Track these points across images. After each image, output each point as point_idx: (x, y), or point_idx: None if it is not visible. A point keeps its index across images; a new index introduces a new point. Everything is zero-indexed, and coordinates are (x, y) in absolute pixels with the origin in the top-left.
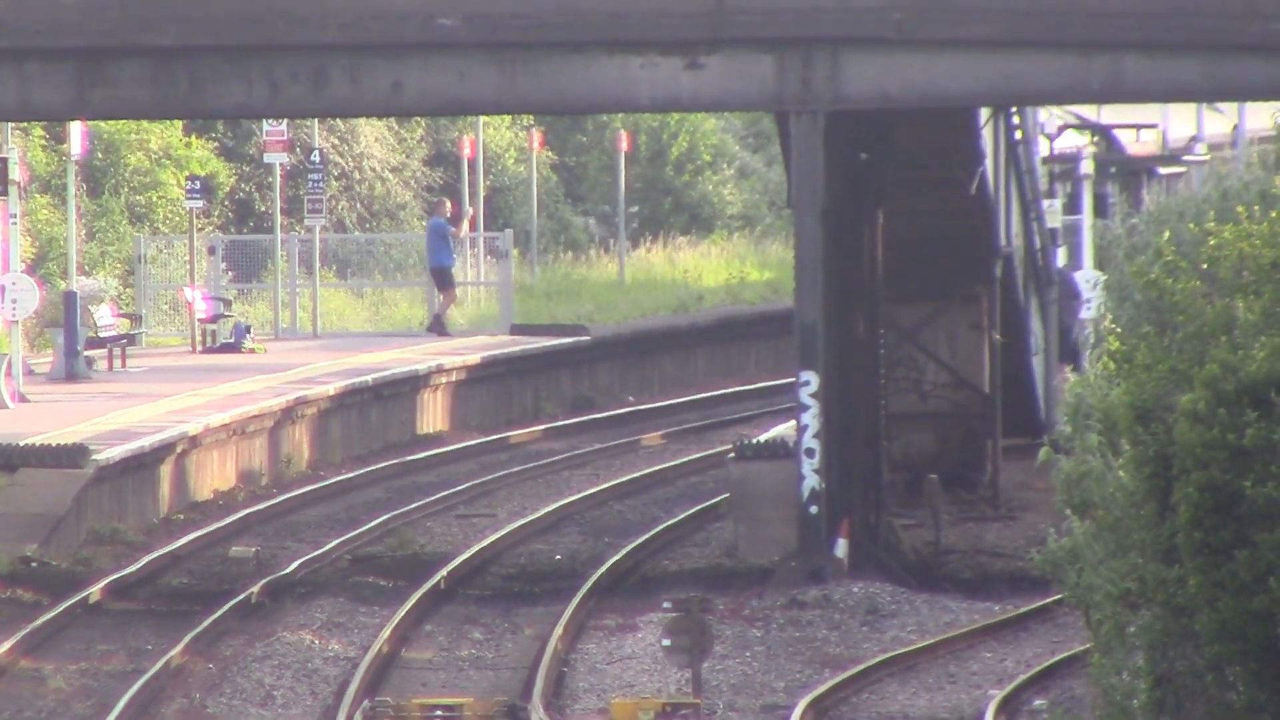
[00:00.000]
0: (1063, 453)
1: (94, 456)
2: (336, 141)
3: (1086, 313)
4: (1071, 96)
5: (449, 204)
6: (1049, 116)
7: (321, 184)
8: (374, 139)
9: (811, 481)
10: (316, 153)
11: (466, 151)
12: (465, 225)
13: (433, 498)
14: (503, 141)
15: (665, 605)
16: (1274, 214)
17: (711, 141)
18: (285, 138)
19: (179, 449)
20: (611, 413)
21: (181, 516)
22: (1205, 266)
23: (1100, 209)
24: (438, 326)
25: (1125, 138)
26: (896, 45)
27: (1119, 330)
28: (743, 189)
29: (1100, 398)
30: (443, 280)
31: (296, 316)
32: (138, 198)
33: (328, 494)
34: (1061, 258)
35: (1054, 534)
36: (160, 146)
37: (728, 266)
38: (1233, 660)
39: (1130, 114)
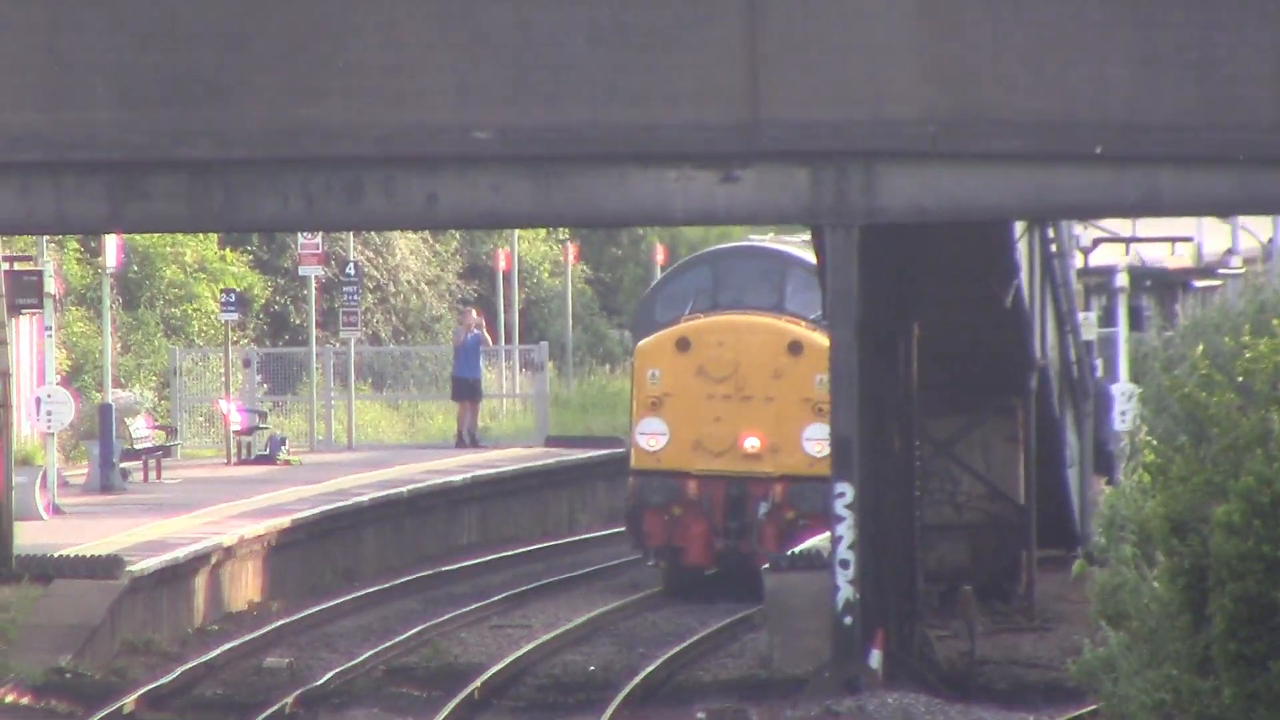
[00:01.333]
0: (1097, 564)
1: (128, 568)
2: (371, 254)
3: (1121, 425)
4: (1106, 210)
5: (475, 313)
6: (1084, 230)
7: (357, 296)
8: (409, 251)
9: (846, 592)
10: (351, 265)
11: (502, 264)
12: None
13: (467, 608)
14: (537, 254)
15: (700, 716)
16: None
17: None
18: (320, 250)
19: (213, 560)
20: None
21: (215, 627)
22: (1240, 379)
23: (1135, 322)
24: (471, 438)
25: (1160, 251)
26: (930, 159)
27: (1154, 442)
28: None
29: (1135, 509)
30: (475, 392)
31: (331, 428)
32: (173, 310)
33: (362, 605)
34: (1098, 370)
35: (1089, 644)
36: (195, 259)
37: None
38: None
39: (1165, 228)
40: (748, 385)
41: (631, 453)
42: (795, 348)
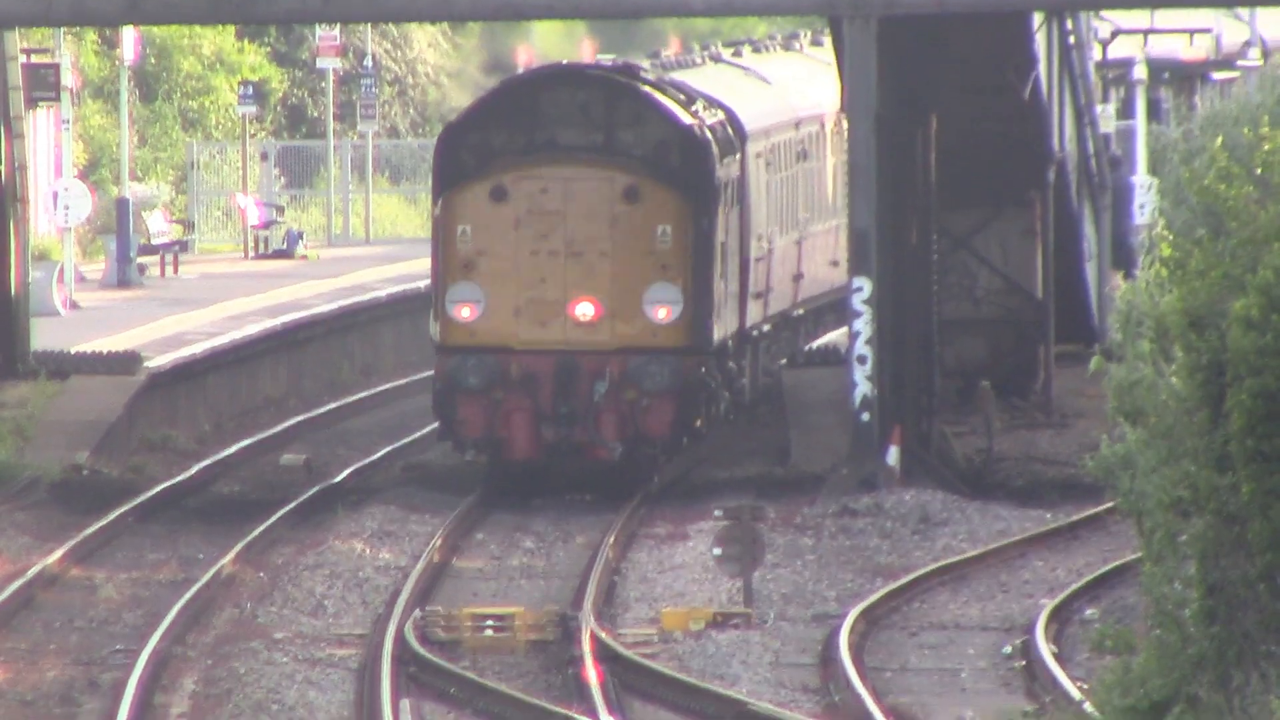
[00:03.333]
0: (1114, 360)
1: (146, 364)
2: (389, 47)
3: (1140, 218)
4: (1125, 2)
5: None
6: (1101, 22)
7: (374, 89)
8: (427, 44)
9: (863, 388)
10: (369, 58)
11: (522, 59)
12: None
13: None
14: (557, 51)
15: (716, 514)
16: None
17: None
18: (338, 43)
19: (231, 356)
20: None
21: (233, 424)
22: (1260, 172)
23: (1154, 114)
24: None
25: (1178, 43)
26: None
27: (1172, 236)
28: None
29: (1152, 304)
30: None
31: (349, 223)
32: (190, 103)
33: (379, 401)
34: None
35: (1106, 441)
36: (213, 52)
37: None
38: None
39: (1183, 20)
40: (577, 240)
41: (438, 325)
42: (631, 194)
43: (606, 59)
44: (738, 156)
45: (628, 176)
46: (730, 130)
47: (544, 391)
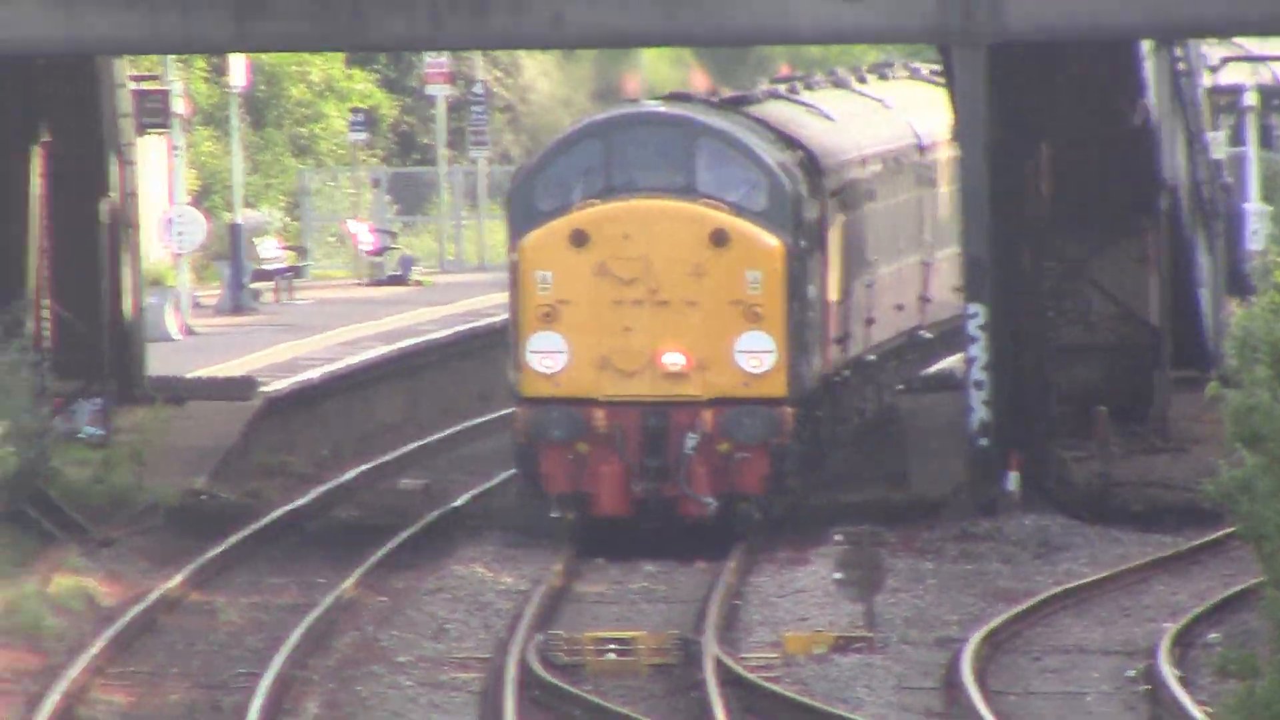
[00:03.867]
0: (1231, 386)
1: (262, 389)
2: (500, 74)
3: (1254, 244)
4: (1234, 28)
5: None
6: (1211, 49)
7: (485, 116)
8: (539, 73)
9: (981, 413)
10: (480, 84)
11: (631, 88)
12: None
13: None
14: (665, 79)
15: (836, 538)
16: None
17: None
18: (447, 70)
19: (347, 382)
20: None
21: (350, 449)
22: None
23: (1265, 140)
24: None
25: None
26: None
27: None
28: None
29: (1268, 331)
30: None
31: (461, 248)
32: (300, 130)
33: (497, 426)
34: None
35: (1225, 465)
36: (322, 79)
37: None
38: None
39: None
40: (663, 287)
41: (519, 376)
42: (720, 238)
43: (697, 93)
44: (818, 197)
45: (715, 219)
46: (811, 167)
47: (632, 445)
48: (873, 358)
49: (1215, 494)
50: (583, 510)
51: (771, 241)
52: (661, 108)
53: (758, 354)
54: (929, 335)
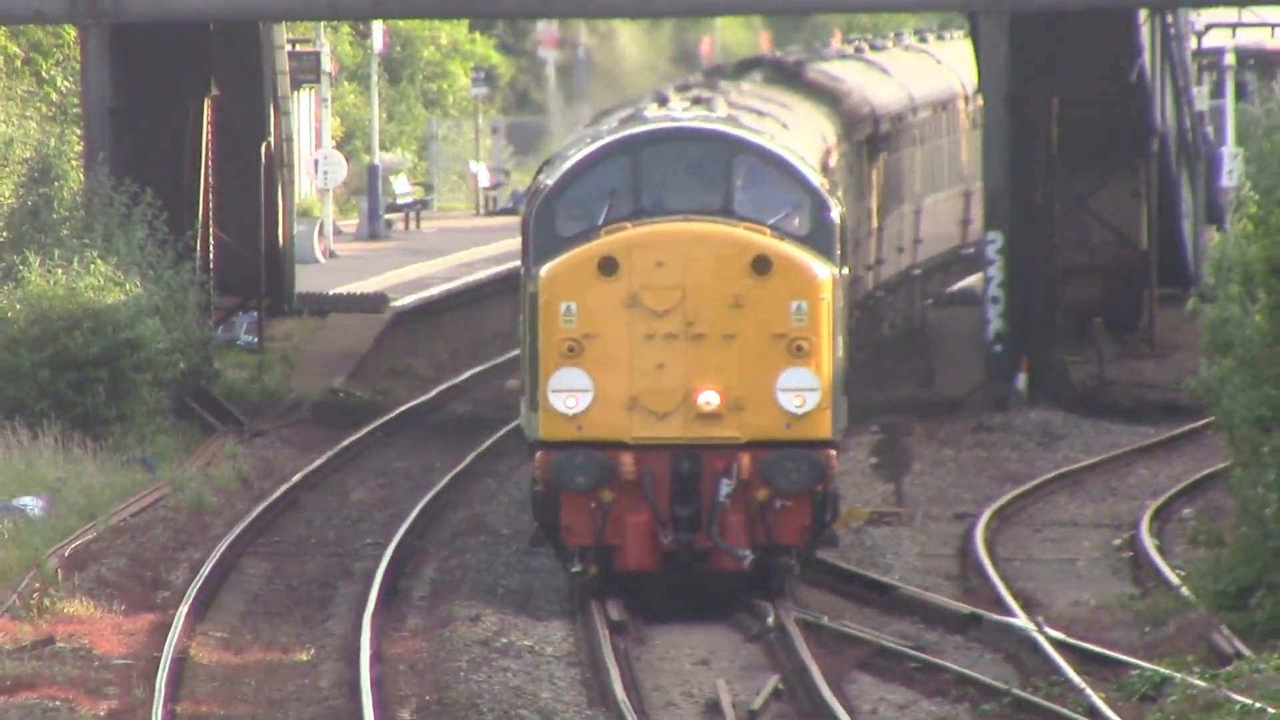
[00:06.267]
0: (1208, 301)
1: (392, 304)
2: (598, 39)
3: (1228, 181)
4: (1215, 0)
5: None
6: (1197, 16)
7: (586, 77)
8: (629, 39)
9: (996, 324)
10: (581, 49)
11: (705, 50)
12: None
13: None
14: (736, 41)
15: (872, 429)
16: None
17: None
18: (556, 36)
19: (464, 297)
20: None
21: (465, 354)
22: None
23: (1240, 95)
24: None
25: (1262, 35)
26: None
27: (1257, 196)
28: None
29: (1240, 255)
30: None
31: None
32: (430, 85)
33: None
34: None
35: (1205, 364)
36: (449, 41)
37: None
38: None
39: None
40: (700, 320)
41: (538, 418)
42: (762, 265)
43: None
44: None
45: (756, 245)
46: (855, 115)
47: (661, 492)
48: (918, 271)
49: (1197, 388)
50: (606, 564)
51: (818, 269)
52: (694, 122)
53: (801, 392)
54: (971, 251)
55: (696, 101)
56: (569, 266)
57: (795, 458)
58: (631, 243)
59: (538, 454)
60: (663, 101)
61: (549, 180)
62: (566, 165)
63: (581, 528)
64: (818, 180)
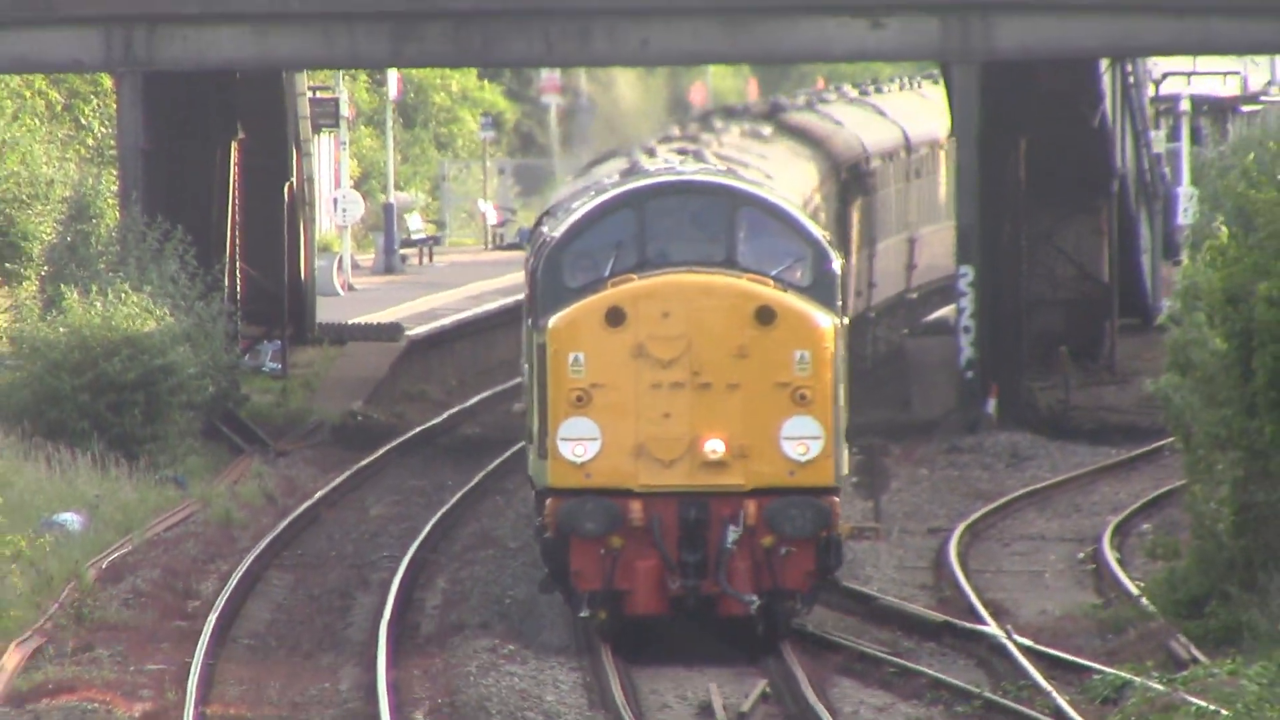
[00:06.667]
0: (1176, 324)
1: (406, 333)
2: (598, 87)
3: (1184, 219)
4: (1172, 50)
5: None
6: (1154, 65)
7: (590, 120)
8: (626, 85)
9: (968, 352)
10: (584, 96)
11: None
12: None
13: None
14: (726, 88)
15: (853, 450)
16: None
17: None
18: (558, 83)
19: (473, 327)
20: None
21: (474, 380)
22: None
23: (1195, 138)
24: None
25: (1214, 83)
26: (1036, 9)
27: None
28: None
29: (1207, 282)
30: None
31: None
32: (441, 129)
33: None
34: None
35: (1167, 378)
36: (459, 89)
37: None
38: None
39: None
40: (705, 369)
41: (547, 465)
42: (766, 315)
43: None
44: (844, 185)
45: (760, 296)
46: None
47: (669, 538)
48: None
49: (1157, 391)
50: (615, 609)
51: (821, 319)
52: (698, 175)
53: (804, 440)
54: (915, 296)
55: (682, 153)
56: (577, 317)
57: (800, 505)
58: (638, 294)
59: (547, 501)
60: (651, 153)
61: (555, 232)
62: (573, 218)
63: (591, 573)
64: (819, 232)
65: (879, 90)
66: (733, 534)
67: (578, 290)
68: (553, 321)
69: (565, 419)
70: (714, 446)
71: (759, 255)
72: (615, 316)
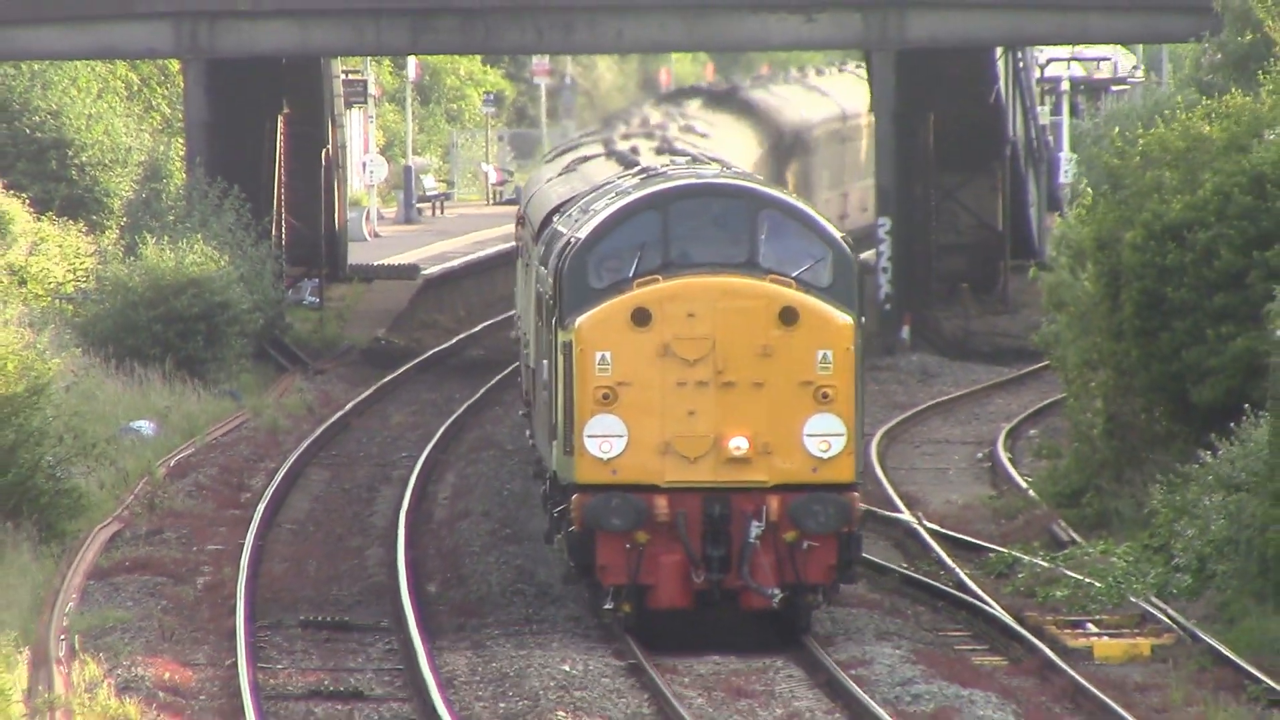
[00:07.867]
0: (1046, 270)
1: (423, 272)
2: (581, 70)
3: (1064, 178)
4: (1055, 40)
5: None
6: (1040, 52)
7: (573, 98)
8: (605, 69)
9: (886, 288)
10: (569, 77)
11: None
12: None
13: None
14: (687, 71)
15: None
16: (1183, 116)
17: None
18: (548, 66)
19: (479, 267)
20: None
21: (479, 311)
22: (1141, 148)
23: (1074, 113)
24: None
25: (1090, 66)
26: (943, 6)
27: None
28: None
29: (1076, 235)
30: None
31: None
32: (452, 105)
33: None
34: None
35: (1046, 321)
36: (467, 72)
37: None
38: (1157, 405)
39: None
40: (729, 368)
41: (573, 462)
42: (789, 316)
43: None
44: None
45: (783, 297)
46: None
47: (694, 533)
48: None
49: (1039, 342)
50: (640, 602)
51: (842, 319)
52: (722, 179)
53: (826, 437)
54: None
55: (649, 136)
56: (603, 318)
57: (822, 500)
58: (664, 295)
59: (574, 496)
60: (626, 138)
61: (579, 233)
62: (598, 219)
63: (616, 567)
64: (838, 233)
65: (819, 73)
66: (756, 529)
67: (603, 291)
68: (580, 321)
69: (592, 416)
70: (738, 444)
71: (780, 256)
72: (641, 317)
